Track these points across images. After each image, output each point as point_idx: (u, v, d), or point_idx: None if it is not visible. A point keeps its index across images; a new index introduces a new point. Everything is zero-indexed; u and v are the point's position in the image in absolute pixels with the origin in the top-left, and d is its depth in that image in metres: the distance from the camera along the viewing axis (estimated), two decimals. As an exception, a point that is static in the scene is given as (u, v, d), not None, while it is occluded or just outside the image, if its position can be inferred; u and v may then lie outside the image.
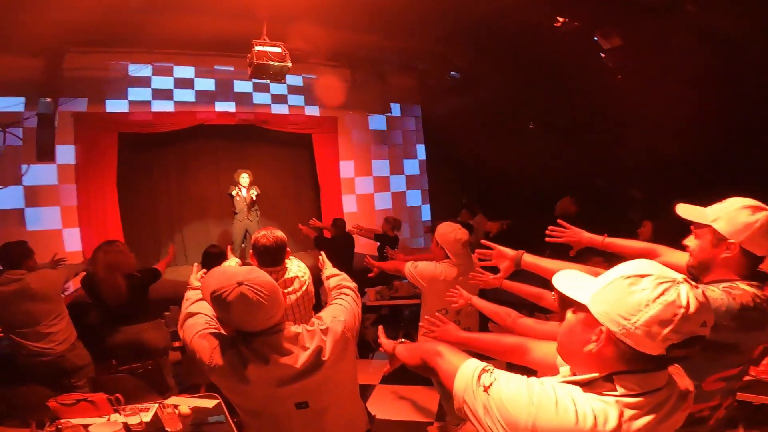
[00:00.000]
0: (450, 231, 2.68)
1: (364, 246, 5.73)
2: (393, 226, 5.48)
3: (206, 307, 1.53)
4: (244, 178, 6.25)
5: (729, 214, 1.32)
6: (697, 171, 4.85)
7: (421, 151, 8.62)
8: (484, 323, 2.64)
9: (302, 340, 1.37)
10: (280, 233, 2.08)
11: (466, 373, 0.89)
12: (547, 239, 1.85)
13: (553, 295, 1.63)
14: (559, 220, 1.89)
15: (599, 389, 0.79)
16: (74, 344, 3.04)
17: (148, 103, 6.32)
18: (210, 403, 2.23)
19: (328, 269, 2.01)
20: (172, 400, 2.17)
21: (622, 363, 0.78)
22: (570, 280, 0.89)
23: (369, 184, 7.98)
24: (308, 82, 7.40)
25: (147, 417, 2.09)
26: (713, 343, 1.30)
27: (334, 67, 7.32)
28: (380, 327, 1.47)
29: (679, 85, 4.72)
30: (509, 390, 0.81)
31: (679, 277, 0.76)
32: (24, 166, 5.47)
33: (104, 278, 3.01)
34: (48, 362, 2.89)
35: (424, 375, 1.10)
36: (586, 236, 1.80)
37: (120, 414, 2.10)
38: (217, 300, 1.29)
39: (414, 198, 8.54)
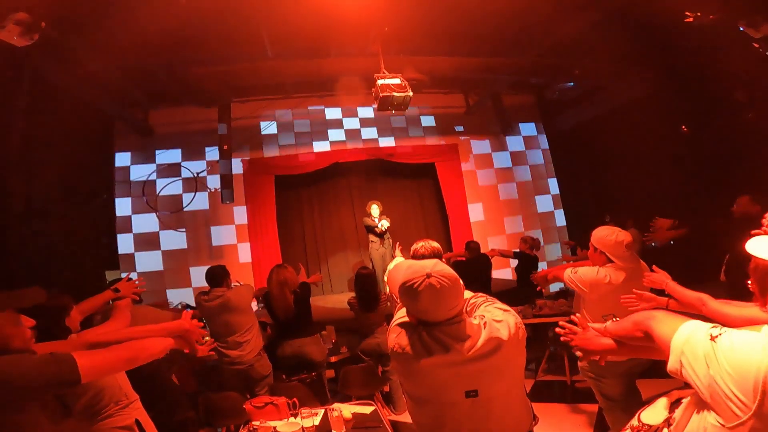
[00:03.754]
0: (609, 234, 2.48)
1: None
2: (531, 246, 5.34)
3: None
4: (375, 209, 6.69)
5: None
6: None
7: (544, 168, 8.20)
8: None
9: (479, 330, 1.44)
10: (435, 244, 2.18)
11: (688, 328, 0.93)
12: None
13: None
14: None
15: None
16: (260, 354, 3.54)
17: (289, 146, 7.27)
18: (367, 410, 2.48)
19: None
20: (336, 405, 2.47)
21: None
22: None
23: (498, 207, 7.78)
24: (424, 112, 7.67)
25: (317, 420, 2.38)
26: None
27: (445, 93, 7.51)
28: (584, 310, 1.49)
29: None
30: (742, 340, 0.84)
31: None
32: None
33: (276, 294, 3.56)
34: (241, 371, 3.44)
35: (631, 343, 1.17)
36: None
37: (296, 417, 2.42)
38: (408, 290, 1.39)
39: (545, 203, 8.06)
